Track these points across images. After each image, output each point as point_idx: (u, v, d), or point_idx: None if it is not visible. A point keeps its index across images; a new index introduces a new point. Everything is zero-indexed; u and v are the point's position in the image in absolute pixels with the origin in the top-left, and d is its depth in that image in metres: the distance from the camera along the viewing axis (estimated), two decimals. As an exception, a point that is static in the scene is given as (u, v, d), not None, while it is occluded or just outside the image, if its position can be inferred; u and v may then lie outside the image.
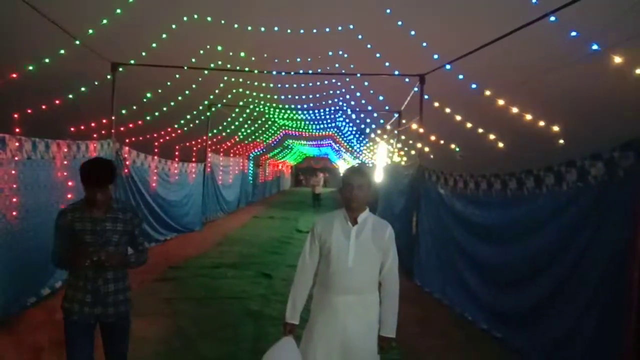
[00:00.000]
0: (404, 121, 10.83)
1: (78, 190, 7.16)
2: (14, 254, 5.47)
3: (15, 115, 5.88)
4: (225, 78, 10.23)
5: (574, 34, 4.23)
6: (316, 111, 14.26)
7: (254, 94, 11.60)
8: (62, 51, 6.19)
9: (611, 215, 3.99)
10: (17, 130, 5.63)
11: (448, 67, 6.08)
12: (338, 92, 11.10)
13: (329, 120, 16.99)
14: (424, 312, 6.57)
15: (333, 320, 2.97)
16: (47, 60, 6.03)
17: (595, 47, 4.03)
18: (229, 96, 12.03)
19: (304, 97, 11.62)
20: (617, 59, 3.89)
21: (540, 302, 4.81)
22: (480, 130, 6.19)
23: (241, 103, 13.26)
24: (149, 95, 8.68)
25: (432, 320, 6.30)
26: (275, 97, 11.73)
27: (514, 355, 5.01)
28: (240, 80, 10.38)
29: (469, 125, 6.52)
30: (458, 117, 6.69)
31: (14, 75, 5.58)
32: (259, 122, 17.00)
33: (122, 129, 9.19)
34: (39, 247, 6.02)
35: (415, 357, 4.95)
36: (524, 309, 5.09)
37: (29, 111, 6.04)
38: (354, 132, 17.28)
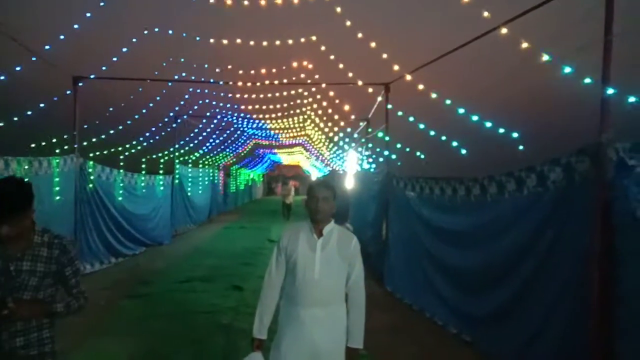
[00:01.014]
0: (369, 130, 10.96)
1: (40, 206, 6.99)
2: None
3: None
4: (191, 89, 10.17)
5: (525, 45, 4.37)
6: (285, 120, 14.28)
7: (221, 104, 11.55)
8: (18, 68, 6.05)
9: (570, 218, 4.12)
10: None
11: (409, 77, 6.20)
12: (305, 101, 11.15)
13: (298, 129, 17.02)
14: (395, 319, 6.62)
15: (300, 333, 2.97)
16: (1, 78, 5.88)
17: (546, 58, 4.17)
18: (195, 107, 11.94)
19: (271, 106, 11.63)
20: (567, 69, 4.03)
21: (507, 305, 4.92)
22: (444, 138, 6.31)
23: (208, 114, 13.17)
24: (111, 109, 8.53)
25: (403, 327, 6.35)
26: (243, 107, 11.71)
27: (484, 358, 5.10)
28: (206, 91, 10.33)
29: (432, 133, 6.65)
30: (421, 126, 6.81)
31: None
32: (228, 131, 16.89)
33: (85, 143, 9.01)
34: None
35: (387, 364, 4.98)
36: (491, 312, 5.19)
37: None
38: (323, 141, 17.37)
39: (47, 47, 6.21)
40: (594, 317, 3.65)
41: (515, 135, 4.97)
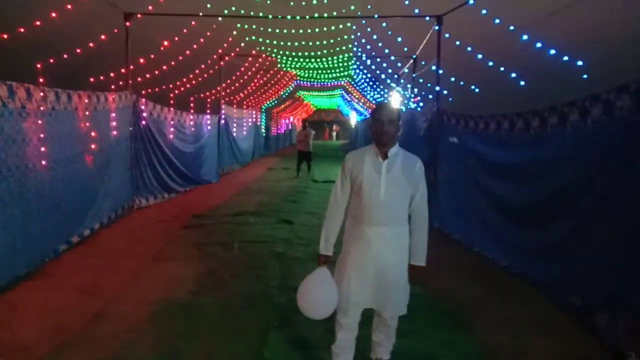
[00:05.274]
0: (422, 63, 10.66)
1: (101, 140, 7.28)
2: (46, 203, 5.63)
3: (38, 66, 5.89)
4: (239, 25, 10.08)
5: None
6: (329, 58, 14.05)
7: (267, 41, 11.43)
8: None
9: (638, 148, 3.98)
10: (41, 80, 5.66)
11: (471, 1, 5.91)
12: (353, 36, 10.89)
13: (341, 69, 16.75)
14: (443, 252, 6.67)
15: (366, 250, 3.06)
16: (69, 7, 5.97)
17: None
18: (242, 44, 11.86)
19: (317, 43, 11.42)
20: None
21: (564, 238, 4.88)
22: (502, 69, 6.09)
23: (254, 51, 13.08)
24: (165, 43, 8.59)
25: (452, 259, 6.43)
26: (289, 43, 11.55)
27: (534, 288, 5.15)
28: (254, 26, 10.21)
29: (490, 63, 6.41)
30: (479, 56, 6.57)
31: (38, 23, 5.55)
32: (271, 72, 16.81)
33: (139, 79, 9.18)
34: (68, 196, 6.21)
35: (439, 292, 5.09)
36: (547, 244, 5.17)
37: (52, 61, 6.04)
38: (367, 80, 17.06)
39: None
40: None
41: (579, 63, 4.74)
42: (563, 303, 4.69)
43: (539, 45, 5.19)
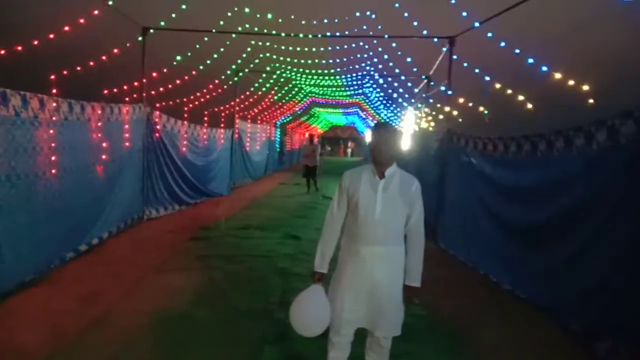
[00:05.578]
0: (432, 83, 10.71)
1: (112, 151, 7.41)
2: (54, 211, 5.73)
3: (52, 77, 6.05)
4: (253, 42, 10.24)
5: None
6: (343, 76, 14.16)
7: (281, 58, 11.58)
8: (96, 12, 6.30)
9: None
10: (54, 91, 5.81)
11: (477, 24, 5.94)
12: (365, 55, 10.98)
13: (356, 87, 16.84)
14: (447, 273, 6.66)
15: (361, 268, 3.07)
16: (81, 21, 6.16)
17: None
18: (256, 61, 12.03)
19: (331, 61, 11.54)
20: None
21: (569, 261, 4.83)
22: (509, 91, 6.09)
23: (268, 68, 13.25)
24: (178, 58, 8.77)
25: (456, 281, 6.38)
26: (302, 61, 11.68)
27: (538, 313, 5.08)
28: (268, 44, 10.37)
29: (497, 85, 6.42)
30: (487, 78, 6.59)
31: (51, 36, 5.73)
32: (286, 88, 16.97)
33: (152, 92, 9.35)
34: (77, 205, 6.31)
35: (440, 315, 5.05)
36: (551, 268, 5.11)
37: (65, 73, 6.21)
38: (381, 99, 17.13)
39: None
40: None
41: (585, 87, 4.73)
42: (566, 329, 4.62)
43: (544, 68, 5.20)
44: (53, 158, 5.65)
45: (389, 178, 3.10)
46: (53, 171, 5.67)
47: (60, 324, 4.18)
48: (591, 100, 4.67)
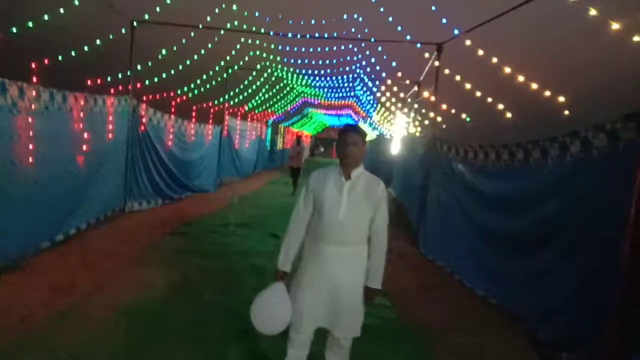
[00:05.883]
0: (415, 88, 10.76)
1: (94, 143, 7.37)
2: (30, 200, 5.69)
3: (33, 65, 6.02)
4: (242, 40, 10.23)
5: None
6: (334, 78, 14.18)
7: (271, 57, 11.59)
8: (77, 2, 6.26)
9: (612, 186, 3.99)
10: (35, 80, 5.77)
11: (456, 31, 5.99)
12: (355, 58, 11.02)
13: (347, 89, 16.86)
14: (424, 278, 6.69)
15: (322, 268, 3.09)
16: (61, 11, 6.12)
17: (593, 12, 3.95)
18: (246, 58, 12.02)
19: (320, 62, 11.55)
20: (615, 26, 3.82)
21: (539, 271, 4.88)
22: (489, 100, 6.14)
23: (259, 66, 13.24)
24: (164, 52, 8.74)
25: (432, 286, 6.41)
26: (292, 61, 11.69)
27: (507, 319, 5.12)
28: (257, 42, 10.37)
29: (478, 94, 6.47)
30: (468, 86, 6.64)
31: (30, 25, 5.68)
32: (277, 87, 16.95)
33: (138, 85, 9.31)
34: (54, 195, 6.27)
35: (410, 317, 5.08)
36: (522, 277, 5.17)
37: (46, 62, 6.17)
38: (371, 102, 17.18)
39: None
40: (621, 286, 3.57)
41: (561, 99, 4.79)
42: (533, 338, 4.66)
43: (521, 78, 5.25)
44: (31, 146, 5.61)
45: (355, 180, 3.13)
46: (30, 160, 5.64)
47: (27, 315, 4.16)
48: (567, 112, 4.72)
